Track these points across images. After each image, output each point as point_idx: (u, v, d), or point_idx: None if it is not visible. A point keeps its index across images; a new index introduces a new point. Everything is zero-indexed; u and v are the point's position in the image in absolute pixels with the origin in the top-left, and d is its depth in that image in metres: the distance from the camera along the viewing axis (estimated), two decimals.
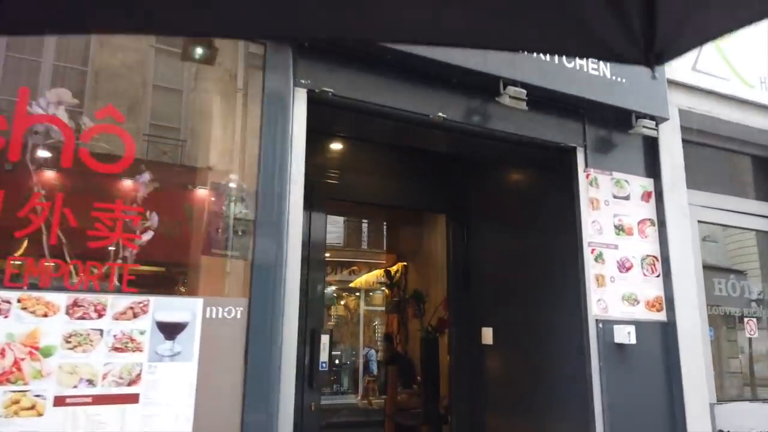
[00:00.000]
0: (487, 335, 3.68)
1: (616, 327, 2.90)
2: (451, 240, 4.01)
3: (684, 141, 3.39)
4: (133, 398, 1.86)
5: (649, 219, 3.19)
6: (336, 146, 3.86)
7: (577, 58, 2.92)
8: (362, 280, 8.92)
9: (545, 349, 3.21)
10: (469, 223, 4.02)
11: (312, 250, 3.43)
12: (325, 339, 3.31)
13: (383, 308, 7.84)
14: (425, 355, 4.81)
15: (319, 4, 1.05)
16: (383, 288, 7.47)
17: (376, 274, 8.12)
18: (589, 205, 3.04)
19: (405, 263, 6.75)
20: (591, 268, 2.95)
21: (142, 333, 1.90)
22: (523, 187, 3.67)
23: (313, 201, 3.34)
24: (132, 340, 1.88)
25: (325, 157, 3.77)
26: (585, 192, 3.05)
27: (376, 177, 3.92)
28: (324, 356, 3.30)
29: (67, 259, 1.86)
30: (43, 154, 1.93)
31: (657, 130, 3.14)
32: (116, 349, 1.86)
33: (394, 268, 7.02)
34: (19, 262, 1.82)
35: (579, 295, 2.95)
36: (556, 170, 3.21)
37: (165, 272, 2.25)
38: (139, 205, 2.03)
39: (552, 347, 3.16)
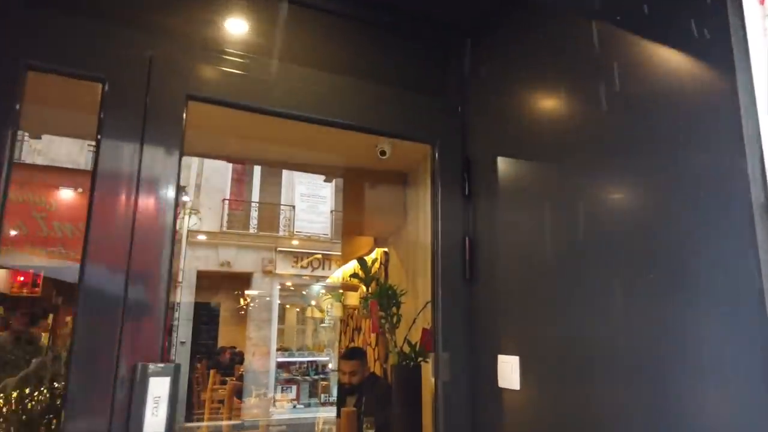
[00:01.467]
0: (509, 371, 1.86)
1: None
2: (440, 194, 2.18)
3: None
4: None
5: None
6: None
7: None
8: (339, 276, 7.09)
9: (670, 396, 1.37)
10: (471, 162, 2.20)
11: None
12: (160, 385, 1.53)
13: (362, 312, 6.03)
14: (400, 394, 2.99)
15: None
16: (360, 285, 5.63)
17: (353, 267, 6.28)
18: None
19: (386, 250, 4.92)
20: None
21: None
22: (604, 66, 1.79)
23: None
24: None
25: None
26: (763, 50, 1.24)
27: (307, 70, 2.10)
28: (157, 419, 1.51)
29: None
30: None
31: None
32: None
33: (371, 257, 5.20)
34: None
35: (747, 290, 1.15)
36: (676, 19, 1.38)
37: None
38: None
39: (687, 395, 1.32)
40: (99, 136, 1.63)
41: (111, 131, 1.65)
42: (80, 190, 6.41)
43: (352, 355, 4.25)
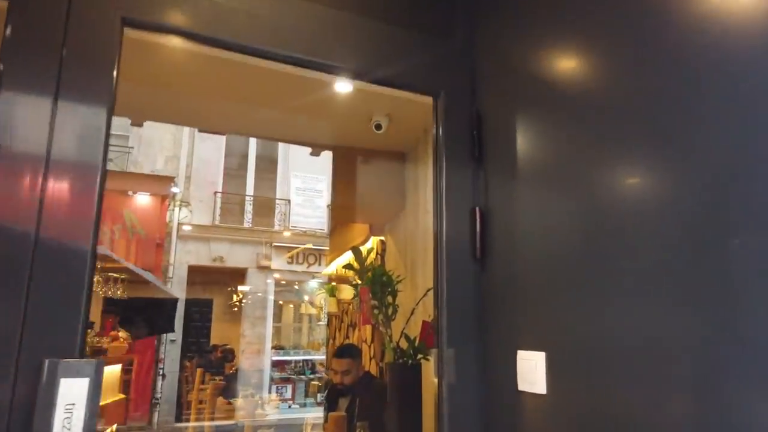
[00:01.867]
0: (532, 370, 1.48)
1: None
2: (444, 156, 1.80)
3: None
4: None
5: None
6: None
7: None
8: (333, 270, 6.71)
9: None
10: (483, 119, 1.82)
11: None
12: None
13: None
14: (396, 397, 2.60)
15: None
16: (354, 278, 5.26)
17: (349, 259, 5.90)
18: None
19: (382, 238, 4.54)
20: None
21: None
22: None
23: None
24: None
25: None
26: None
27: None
28: None
29: None
30: None
31: None
32: None
33: (366, 247, 4.82)
34: None
35: None
36: None
37: None
38: None
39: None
40: None
41: (14, 70, 1.26)
42: None
43: (344, 352, 3.87)
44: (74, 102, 1.30)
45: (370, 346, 4.62)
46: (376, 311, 2.69)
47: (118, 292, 6.71)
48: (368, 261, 4.61)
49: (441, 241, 1.75)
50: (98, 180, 1.30)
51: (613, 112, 1.35)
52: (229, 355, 11.07)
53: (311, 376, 11.71)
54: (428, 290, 2.43)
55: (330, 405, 3.82)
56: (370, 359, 4.51)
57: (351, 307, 5.68)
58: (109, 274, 6.72)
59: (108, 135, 1.35)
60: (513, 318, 1.61)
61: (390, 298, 2.87)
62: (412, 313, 2.78)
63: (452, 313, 1.70)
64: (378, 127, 3.32)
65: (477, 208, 1.76)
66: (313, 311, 7.78)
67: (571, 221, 1.44)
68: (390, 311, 2.76)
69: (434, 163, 1.85)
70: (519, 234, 1.64)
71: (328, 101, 2.69)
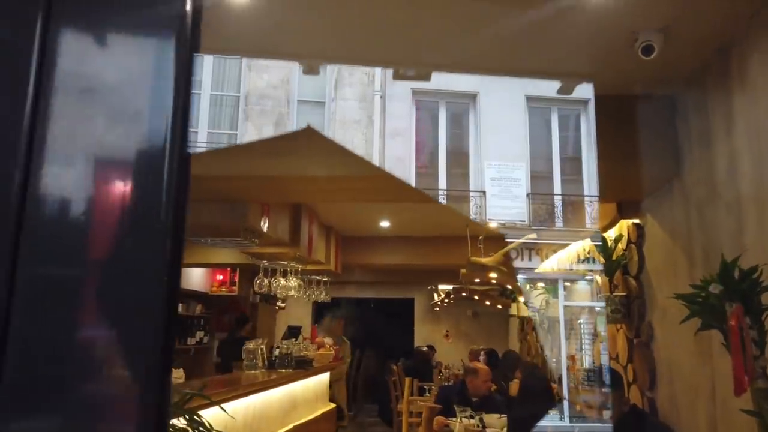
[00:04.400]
0: None
1: None
2: None
3: None
4: None
5: None
6: None
7: None
8: (552, 265, 5.57)
9: None
10: None
11: None
12: None
13: (591, 310, 4.50)
14: None
15: None
16: (590, 272, 4.12)
17: (578, 252, 4.71)
18: None
19: (637, 221, 3.32)
20: None
21: None
22: None
23: None
24: None
25: None
26: None
27: None
28: None
29: None
30: None
31: None
32: None
33: (611, 234, 3.63)
34: None
35: None
36: None
37: None
38: None
39: None
40: None
41: None
42: None
43: (611, 383, 2.79)
44: None
45: (625, 368, 3.45)
46: (744, 334, 1.48)
47: (321, 296, 6.47)
48: (615, 254, 3.44)
49: None
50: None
51: None
52: (432, 352, 10.47)
53: None
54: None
55: None
56: (628, 386, 3.34)
57: (583, 314, 4.53)
58: (312, 276, 6.50)
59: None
60: None
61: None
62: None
63: None
64: (647, 50, 2.19)
65: None
66: (526, 313, 6.73)
67: None
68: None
69: None
70: None
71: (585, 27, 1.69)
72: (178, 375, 2.60)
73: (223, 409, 2.23)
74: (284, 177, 3.39)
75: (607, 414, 2.81)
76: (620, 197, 3.15)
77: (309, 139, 2.87)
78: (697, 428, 2.56)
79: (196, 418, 1.60)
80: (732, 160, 2.20)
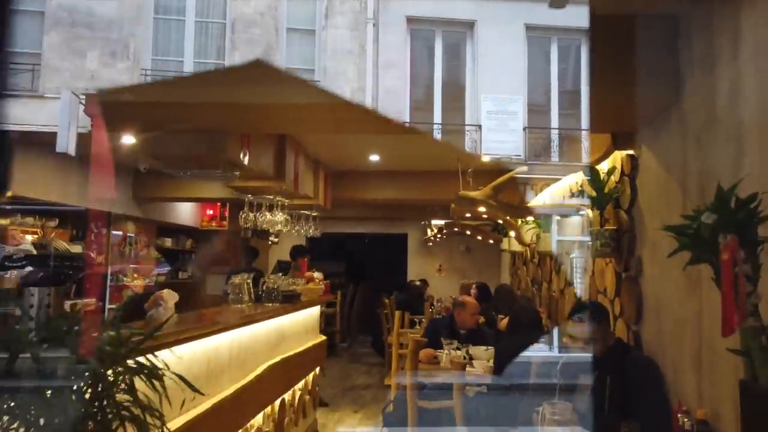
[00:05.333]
0: None
1: None
2: None
3: None
4: None
5: None
6: None
7: None
8: (545, 198, 5.47)
9: None
10: None
11: None
12: None
13: (585, 245, 4.43)
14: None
15: None
16: (583, 206, 4.02)
17: (570, 186, 4.60)
18: None
19: (631, 152, 3.19)
20: None
21: None
22: None
23: None
24: None
25: None
26: None
27: None
28: None
29: None
30: None
31: None
32: None
33: (604, 166, 3.50)
34: None
35: None
36: None
37: None
38: None
39: None
40: None
41: None
42: None
43: (586, 314, 2.75)
44: None
45: (611, 302, 3.41)
46: (736, 270, 1.36)
47: (310, 231, 6.40)
48: (608, 187, 3.33)
49: None
50: None
51: None
52: (424, 286, 10.59)
53: None
54: None
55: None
56: (614, 320, 3.32)
57: (574, 247, 4.46)
58: (302, 211, 6.41)
59: None
60: None
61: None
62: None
63: None
64: None
65: None
66: (517, 248, 6.72)
67: None
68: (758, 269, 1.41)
69: None
70: None
71: None
72: (172, 297, 2.57)
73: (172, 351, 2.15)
74: (246, 105, 3.25)
75: (594, 347, 2.79)
76: (614, 127, 2.99)
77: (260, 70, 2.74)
78: (682, 363, 2.53)
79: (145, 361, 1.51)
80: (735, 83, 2.04)
